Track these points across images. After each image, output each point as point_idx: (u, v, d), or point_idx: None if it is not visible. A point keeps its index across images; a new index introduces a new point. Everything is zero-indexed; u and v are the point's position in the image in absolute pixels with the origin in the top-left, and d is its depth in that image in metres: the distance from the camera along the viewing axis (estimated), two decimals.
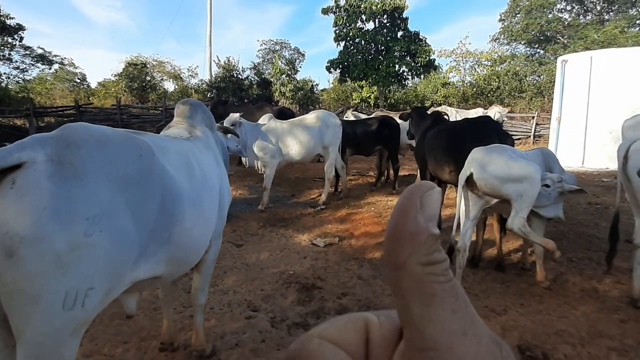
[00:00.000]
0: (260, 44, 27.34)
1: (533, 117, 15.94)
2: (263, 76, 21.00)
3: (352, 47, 17.68)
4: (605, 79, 9.76)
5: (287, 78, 22.10)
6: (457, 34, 47.54)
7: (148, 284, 1.72)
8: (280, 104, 19.53)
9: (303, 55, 26.58)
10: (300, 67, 27.00)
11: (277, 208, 6.13)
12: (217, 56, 21.38)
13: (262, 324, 2.94)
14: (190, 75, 24.18)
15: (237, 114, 5.80)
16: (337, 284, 3.60)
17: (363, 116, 8.77)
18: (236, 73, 19.79)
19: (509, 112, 17.61)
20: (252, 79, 20.43)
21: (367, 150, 6.95)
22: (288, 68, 22.32)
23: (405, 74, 18.28)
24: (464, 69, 25.48)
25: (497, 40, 30.31)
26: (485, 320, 2.28)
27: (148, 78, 21.80)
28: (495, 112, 10.13)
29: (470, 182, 3.25)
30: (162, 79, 23.28)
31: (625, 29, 24.57)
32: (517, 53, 28.65)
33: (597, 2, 29.68)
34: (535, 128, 15.57)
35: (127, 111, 14.88)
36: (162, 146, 1.73)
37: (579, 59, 10.56)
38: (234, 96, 18.71)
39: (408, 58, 17.46)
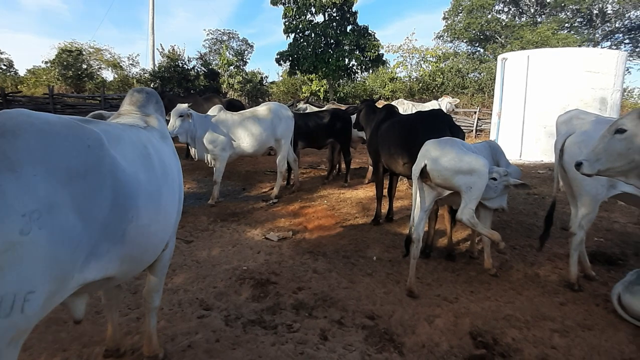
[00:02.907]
0: (207, 34, 26.55)
1: (475, 112, 16.69)
2: (210, 67, 20.34)
3: (302, 40, 17.53)
4: (540, 76, 10.37)
5: (236, 69, 21.59)
6: (404, 31, 48.76)
7: (99, 285, 1.61)
8: (228, 95, 19.04)
9: (252, 46, 26.13)
10: (249, 58, 26.42)
11: (228, 202, 5.95)
12: (161, 44, 20.44)
13: (216, 322, 2.82)
14: (131, 64, 22.94)
15: (185, 105, 5.55)
16: (292, 279, 3.55)
17: (316, 109, 8.74)
18: (181, 63, 19.00)
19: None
20: (199, 69, 19.71)
21: (319, 143, 6.92)
22: (236, 59, 21.81)
23: (354, 68, 18.43)
24: (411, 64, 26.20)
25: (441, 38, 31.43)
26: (438, 309, 2.32)
27: (84, 66, 20.40)
28: (446, 102, 10.59)
29: (423, 173, 3.30)
30: (99, 68, 21.90)
31: (556, 31, 26.32)
32: (459, 51, 29.89)
33: (531, 5, 31.57)
34: (477, 123, 16.31)
35: (61, 101, 13.85)
36: (115, 136, 1.61)
37: (517, 57, 11.14)
38: (180, 87, 17.98)
39: (357, 52, 17.58)
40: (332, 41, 17.51)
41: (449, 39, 31.11)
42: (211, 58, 24.08)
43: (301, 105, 9.21)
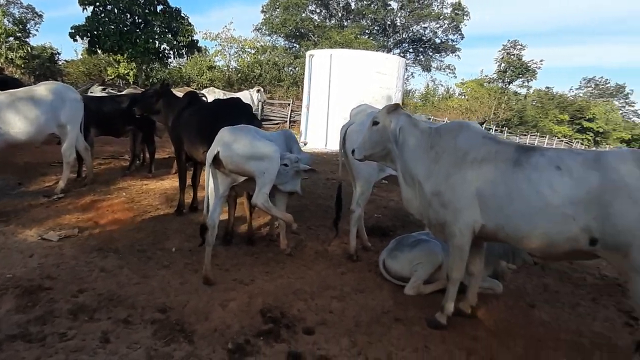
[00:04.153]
0: None
1: (289, 104, 17.65)
2: None
3: (102, 15, 15.53)
4: (341, 74, 11.55)
5: (17, 42, 17.91)
6: (224, 19, 48.03)
7: None
8: (7, 73, 15.67)
9: (40, 16, 22.03)
10: (37, 30, 22.16)
11: None
12: None
13: None
14: None
15: None
16: (72, 281, 3.14)
17: (116, 93, 7.88)
18: None
19: (269, 99, 19.04)
20: None
21: (116, 130, 6.25)
22: (17, 29, 18.08)
23: (166, 52, 17.30)
24: (229, 54, 26.12)
25: (260, 31, 32.23)
26: (233, 293, 2.35)
27: None
28: (256, 93, 10.87)
29: (217, 160, 3.30)
30: None
31: (358, 35, 29.78)
32: (277, 45, 31.16)
33: (339, 10, 34.96)
34: (291, 114, 17.29)
35: None
36: None
37: (322, 55, 12.19)
38: None
39: (170, 36, 16.53)
40: (139, 20, 16.04)
41: (267, 32, 32.11)
42: None
43: (95, 88, 8.17)
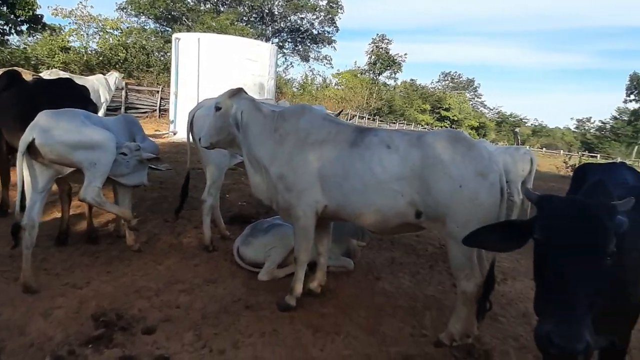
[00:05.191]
0: None
1: (158, 92, 16.44)
2: None
3: None
4: (210, 59, 11.05)
5: None
6: None
7: None
8: None
9: None
10: None
11: None
12: None
13: None
14: None
15: None
16: None
17: None
18: None
19: (136, 85, 17.51)
20: None
21: None
22: None
23: (1, 27, 14.67)
24: (87, 34, 23.28)
25: (125, 10, 29.32)
26: (61, 299, 2.00)
27: None
28: (114, 77, 9.87)
29: (34, 149, 2.84)
30: None
31: (235, 22, 28.98)
32: (146, 27, 28.71)
33: None
34: (161, 102, 16.14)
35: None
36: None
37: (189, 38, 11.53)
38: None
39: (4, 8, 14.02)
40: None
41: (133, 12, 29.37)
42: None
43: None
